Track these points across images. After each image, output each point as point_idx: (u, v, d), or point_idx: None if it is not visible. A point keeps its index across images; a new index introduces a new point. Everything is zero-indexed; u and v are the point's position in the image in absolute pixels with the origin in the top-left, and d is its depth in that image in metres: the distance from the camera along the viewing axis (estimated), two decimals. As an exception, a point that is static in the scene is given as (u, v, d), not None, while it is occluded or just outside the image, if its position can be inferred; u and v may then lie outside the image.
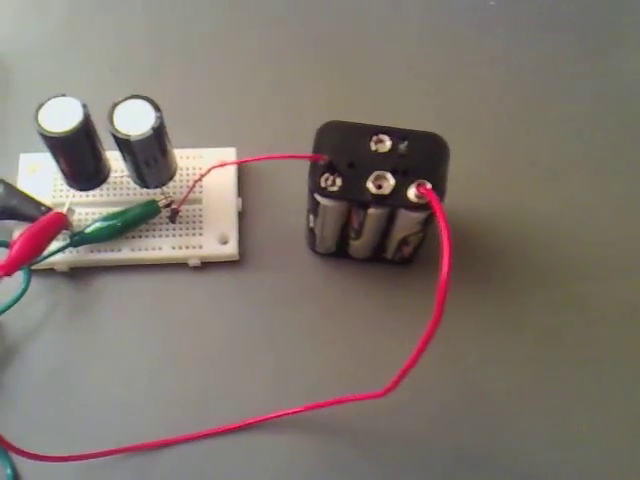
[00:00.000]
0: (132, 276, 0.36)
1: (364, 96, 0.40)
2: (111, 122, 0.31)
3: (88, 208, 0.36)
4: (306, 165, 0.30)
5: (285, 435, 0.33)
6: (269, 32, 0.42)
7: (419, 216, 0.30)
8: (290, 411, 0.32)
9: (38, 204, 0.36)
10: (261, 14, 0.43)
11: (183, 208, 0.36)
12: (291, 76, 0.41)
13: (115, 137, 0.31)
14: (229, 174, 0.37)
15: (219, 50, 0.42)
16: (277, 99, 0.40)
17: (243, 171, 0.37)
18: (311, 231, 0.34)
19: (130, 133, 0.31)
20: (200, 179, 0.34)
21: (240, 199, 0.37)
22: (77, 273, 0.36)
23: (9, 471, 0.32)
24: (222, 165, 0.34)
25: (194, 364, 0.35)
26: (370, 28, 0.42)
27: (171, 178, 0.35)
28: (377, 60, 0.42)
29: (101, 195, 0.36)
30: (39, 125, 0.31)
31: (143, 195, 0.36)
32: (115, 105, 0.31)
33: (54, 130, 0.31)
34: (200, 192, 0.36)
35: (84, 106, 0.31)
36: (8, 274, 0.32)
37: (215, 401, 0.34)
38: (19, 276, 0.34)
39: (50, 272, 0.35)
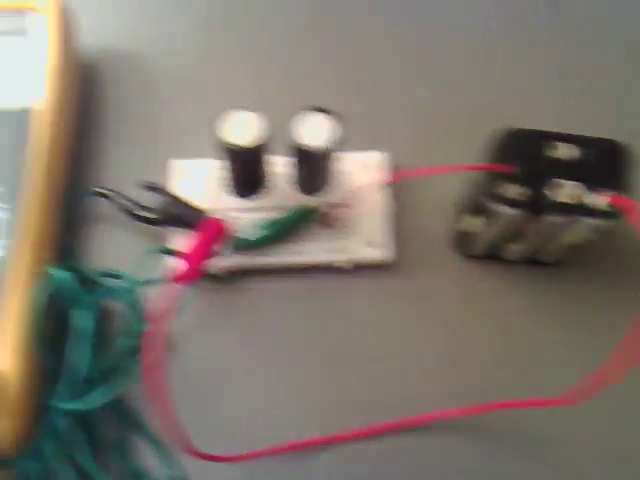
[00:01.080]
0: (286, 279, 0.38)
1: (533, 99, 0.41)
2: (293, 133, 0.32)
3: (246, 214, 0.38)
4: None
5: (449, 437, 0.35)
6: (426, 34, 0.43)
7: (604, 224, 0.30)
8: (457, 411, 0.33)
9: (198, 211, 0.37)
10: (427, 17, 0.44)
11: (336, 212, 0.37)
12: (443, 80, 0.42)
13: (294, 147, 0.32)
14: (376, 176, 0.38)
15: (369, 49, 0.43)
16: (431, 102, 0.42)
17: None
18: (464, 234, 0.35)
19: (312, 144, 0.32)
20: (366, 191, 0.36)
21: (391, 202, 0.37)
22: (231, 277, 0.37)
23: (175, 472, 0.33)
24: (397, 178, 0.36)
25: (348, 364, 0.37)
26: (539, 31, 0.43)
27: (329, 184, 0.36)
28: (538, 60, 0.43)
29: (259, 201, 0.37)
30: (222, 137, 0.32)
31: (300, 200, 0.37)
32: (297, 116, 0.32)
33: (236, 142, 0.32)
34: (351, 196, 0.37)
35: (262, 120, 0.32)
36: (189, 283, 0.33)
37: (371, 402, 0.36)
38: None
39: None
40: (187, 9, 0.44)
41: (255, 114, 0.33)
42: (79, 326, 0.34)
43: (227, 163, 0.34)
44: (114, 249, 0.39)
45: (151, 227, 0.37)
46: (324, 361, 0.36)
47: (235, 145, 0.32)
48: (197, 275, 0.34)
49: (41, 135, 0.36)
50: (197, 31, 0.44)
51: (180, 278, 0.33)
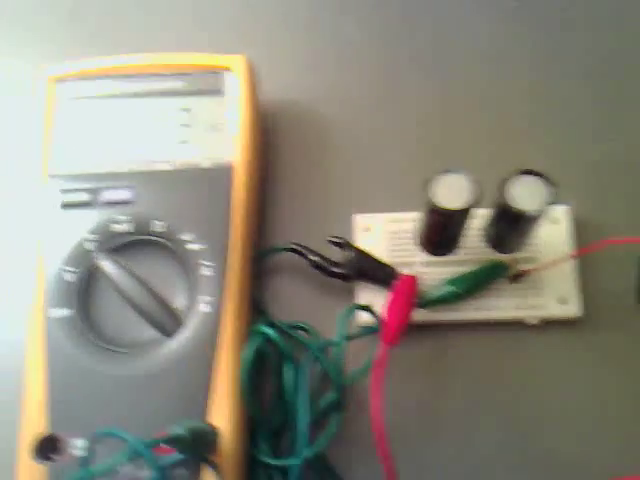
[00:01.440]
0: (475, 334, 0.38)
1: None
2: (506, 196, 0.33)
3: (434, 269, 0.38)
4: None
5: None
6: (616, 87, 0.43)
7: None
8: None
9: (386, 266, 0.38)
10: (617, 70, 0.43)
11: (525, 268, 0.37)
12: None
13: (505, 211, 0.33)
14: (565, 231, 0.39)
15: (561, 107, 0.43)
16: (616, 155, 0.42)
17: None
18: None
19: (525, 208, 0.33)
20: (574, 256, 0.36)
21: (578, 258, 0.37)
22: (418, 330, 0.38)
23: None
24: (600, 246, 0.36)
25: (539, 425, 0.37)
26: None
27: (521, 248, 0.37)
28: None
29: (447, 258, 0.38)
30: (431, 199, 0.33)
31: (490, 255, 0.37)
32: (508, 180, 0.33)
33: (445, 205, 0.32)
34: (536, 250, 0.38)
35: (473, 182, 0.32)
36: (394, 344, 0.34)
37: (563, 466, 0.36)
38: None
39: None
40: (364, 58, 0.45)
41: (466, 176, 0.33)
42: (292, 381, 0.35)
43: (426, 222, 0.35)
44: (301, 302, 0.40)
45: (339, 283, 0.38)
46: (513, 416, 0.37)
47: (444, 209, 0.32)
48: (399, 334, 0.35)
49: (239, 191, 0.37)
50: (372, 82, 0.45)
51: (385, 338, 0.35)
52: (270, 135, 0.42)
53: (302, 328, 0.38)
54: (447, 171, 0.33)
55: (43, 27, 0.46)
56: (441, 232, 0.36)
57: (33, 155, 0.37)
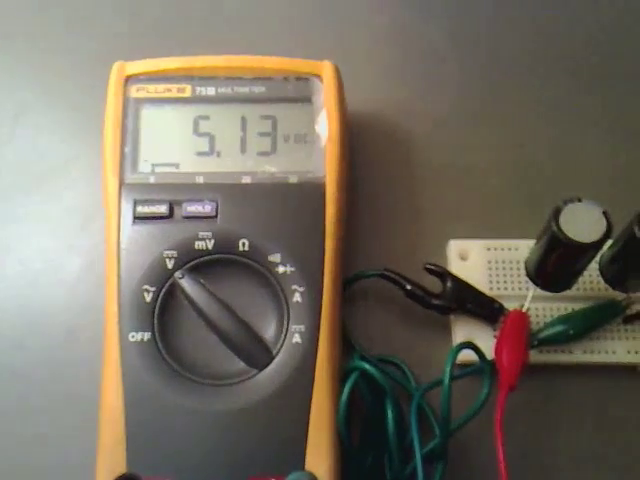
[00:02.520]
0: (580, 378, 0.36)
1: None
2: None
3: (544, 304, 0.35)
4: None
5: None
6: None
7: None
8: None
9: (489, 299, 0.35)
10: None
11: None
12: None
13: (637, 246, 0.30)
14: None
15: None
16: None
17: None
18: None
19: None
20: None
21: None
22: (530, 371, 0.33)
23: None
24: None
25: None
26: None
27: None
28: None
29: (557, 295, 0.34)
30: (561, 230, 0.30)
31: (604, 292, 0.34)
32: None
33: (576, 238, 0.30)
34: None
35: (606, 214, 0.30)
36: (512, 390, 0.31)
37: None
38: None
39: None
40: (456, 71, 0.43)
41: (598, 207, 0.30)
42: (394, 422, 0.32)
43: (547, 253, 0.32)
44: (389, 334, 0.37)
45: (432, 313, 0.35)
46: (624, 467, 0.35)
47: (575, 242, 0.30)
48: (518, 375, 0.32)
49: (331, 209, 0.34)
50: (466, 95, 0.42)
51: (503, 382, 0.32)
52: (355, 149, 0.39)
53: (392, 363, 0.35)
54: (576, 200, 0.30)
55: (110, 24, 0.44)
56: (563, 267, 0.32)
57: (104, 161, 0.34)
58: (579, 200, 0.30)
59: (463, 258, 0.36)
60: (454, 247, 0.36)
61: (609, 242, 0.30)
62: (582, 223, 0.30)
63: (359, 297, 0.36)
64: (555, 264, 0.32)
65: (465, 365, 0.33)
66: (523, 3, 0.43)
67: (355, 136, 0.39)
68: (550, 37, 0.42)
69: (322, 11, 0.43)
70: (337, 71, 0.36)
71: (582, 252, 0.30)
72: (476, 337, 0.34)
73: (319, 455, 0.30)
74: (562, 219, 0.30)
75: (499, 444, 0.30)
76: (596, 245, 0.29)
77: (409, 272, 0.35)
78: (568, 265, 0.32)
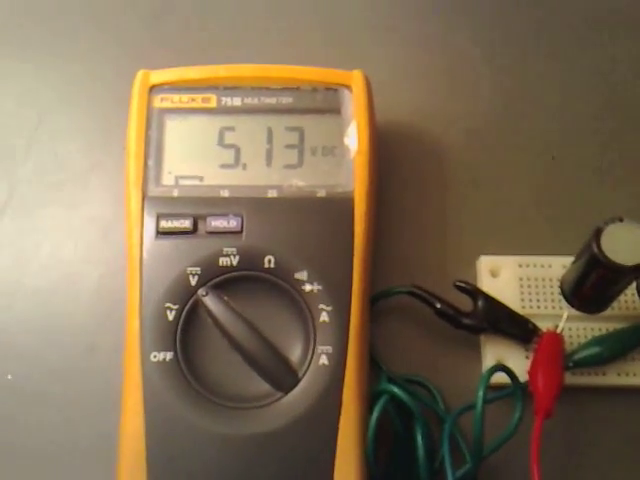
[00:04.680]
0: (615, 401, 0.34)
1: None
2: None
3: (579, 324, 0.34)
4: None
5: None
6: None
7: None
8: None
9: (523, 319, 0.34)
10: None
11: None
12: None
13: None
14: None
15: None
16: None
17: None
18: None
19: None
20: None
21: None
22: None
23: None
24: None
25: None
26: None
27: None
28: None
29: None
30: (602, 251, 0.29)
31: (637, 311, 0.33)
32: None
33: (617, 260, 0.29)
34: None
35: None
36: (550, 416, 0.30)
37: None
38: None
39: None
40: (487, 82, 0.42)
41: (634, 224, 0.29)
42: (424, 448, 0.31)
43: (585, 274, 0.31)
44: (417, 353, 0.36)
45: (462, 333, 0.34)
46: None
47: (617, 265, 0.29)
48: (554, 400, 0.31)
49: (360, 225, 0.33)
50: (496, 106, 0.41)
51: (539, 408, 0.31)
52: (384, 161, 0.37)
53: (420, 383, 0.34)
54: (618, 220, 0.29)
55: (135, 31, 0.43)
56: (600, 288, 0.31)
57: (127, 173, 0.33)
58: (621, 220, 0.29)
59: (494, 275, 0.35)
60: (485, 263, 0.35)
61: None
62: (624, 244, 0.29)
63: (386, 315, 0.35)
64: (593, 286, 0.31)
65: (497, 387, 0.32)
66: (555, 7, 0.41)
67: (384, 147, 0.38)
68: (584, 49, 0.42)
69: (351, 19, 0.42)
70: (367, 81, 0.35)
71: (623, 275, 0.29)
72: (508, 358, 0.34)
73: None
74: (603, 240, 0.29)
75: (535, 472, 0.29)
76: (637, 268, 0.28)
77: (438, 289, 0.34)
78: (607, 287, 0.31)
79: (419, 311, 0.35)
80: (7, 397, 0.34)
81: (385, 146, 0.38)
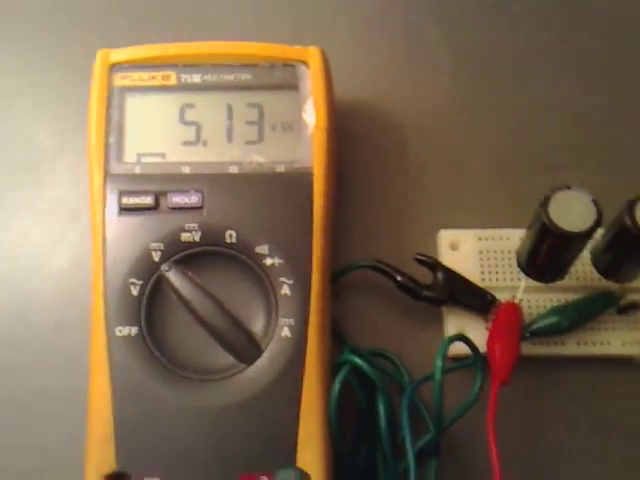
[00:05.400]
0: (574, 371, 0.35)
1: None
2: (634, 219, 0.29)
3: (535, 295, 0.35)
4: None
5: None
6: None
7: None
8: None
9: (481, 290, 0.34)
10: None
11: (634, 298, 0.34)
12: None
13: (629, 235, 0.30)
14: None
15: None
16: None
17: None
18: None
19: None
20: None
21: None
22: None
23: None
24: None
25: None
26: None
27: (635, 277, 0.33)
28: None
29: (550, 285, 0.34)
30: (550, 219, 0.29)
31: (597, 283, 0.34)
32: (637, 200, 0.29)
33: (565, 227, 0.29)
34: None
35: (595, 202, 0.29)
36: (506, 383, 0.31)
37: None
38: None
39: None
40: (446, 58, 0.42)
41: (587, 195, 0.30)
42: (386, 417, 0.32)
43: (537, 243, 0.31)
44: (380, 326, 0.36)
45: (423, 305, 0.35)
46: (621, 459, 0.34)
47: (564, 232, 0.29)
48: (511, 368, 0.32)
49: (320, 199, 0.33)
50: (457, 83, 0.41)
51: (496, 377, 0.32)
52: (344, 138, 0.38)
53: (384, 356, 0.34)
54: (565, 188, 0.30)
55: (96, 11, 0.43)
56: (553, 257, 0.32)
57: (89, 152, 0.33)
58: (568, 188, 0.29)
59: (454, 248, 0.36)
60: (445, 237, 0.36)
61: (600, 231, 0.30)
62: (572, 212, 0.29)
63: (349, 289, 0.36)
64: (546, 254, 0.31)
65: (458, 358, 0.33)
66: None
67: (344, 124, 0.38)
68: (545, 26, 0.42)
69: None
70: (324, 57, 0.35)
71: (572, 242, 0.30)
72: (468, 329, 0.34)
73: (310, 451, 0.30)
74: (551, 208, 0.29)
75: (491, 439, 0.30)
76: (586, 234, 0.29)
77: (399, 263, 0.35)
78: (559, 255, 0.32)
79: (382, 285, 0.35)
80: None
81: (346, 122, 0.38)
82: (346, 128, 0.38)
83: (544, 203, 0.29)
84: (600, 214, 0.29)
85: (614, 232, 0.31)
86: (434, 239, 0.36)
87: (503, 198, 0.36)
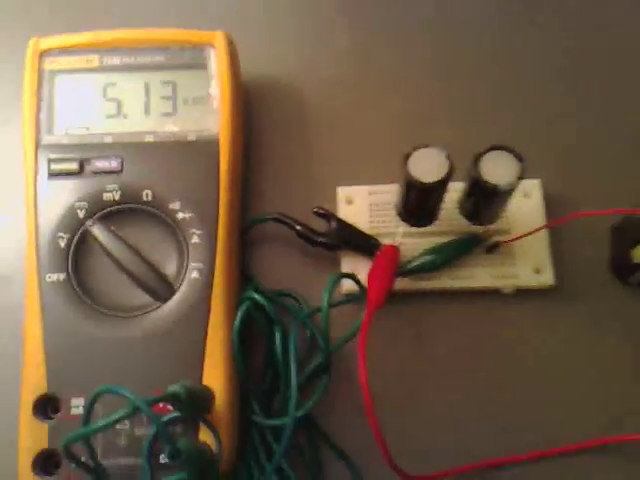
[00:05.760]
0: (452, 303, 0.40)
1: None
2: (479, 171, 0.34)
3: (414, 239, 0.40)
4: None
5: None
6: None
7: None
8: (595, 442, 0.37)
9: (368, 236, 0.40)
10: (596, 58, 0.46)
11: (501, 239, 0.39)
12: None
13: (478, 184, 0.34)
14: (536, 204, 0.41)
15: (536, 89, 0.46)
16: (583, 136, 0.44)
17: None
18: (630, 268, 0.39)
19: (498, 181, 0.34)
20: (546, 227, 0.39)
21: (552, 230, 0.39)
22: (399, 298, 0.39)
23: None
24: (568, 219, 0.39)
25: (509, 386, 0.39)
26: None
27: (495, 220, 0.38)
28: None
29: (426, 229, 0.39)
30: (409, 173, 0.34)
31: (467, 227, 0.39)
32: (481, 155, 0.34)
33: (422, 179, 0.34)
34: (510, 222, 0.40)
35: (448, 157, 0.34)
36: (378, 307, 0.36)
37: (538, 425, 0.38)
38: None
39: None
40: (342, 34, 0.47)
41: (441, 151, 0.34)
42: (281, 345, 0.37)
43: (405, 195, 0.36)
44: (287, 270, 0.41)
45: (323, 251, 0.40)
46: (488, 379, 0.39)
47: (421, 182, 0.34)
48: (382, 300, 0.37)
49: (225, 163, 0.38)
50: (350, 58, 0.46)
51: (370, 303, 0.36)
52: (252, 109, 0.44)
53: (289, 295, 0.40)
54: (423, 146, 0.34)
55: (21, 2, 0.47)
56: (419, 204, 0.37)
57: (23, 126, 0.39)
58: (426, 146, 0.34)
59: (349, 202, 0.41)
60: (341, 193, 0.41)
61: (461, 183, 0.36)
62: (429, 165, 0.34)
63: (259, 239, 0.41)
64: (414, 202, 0.36)
65: (350, 294, 0.39)
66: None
67: (251, 98, 0.44)
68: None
69: None
70: (229, 40, 0.40)
71: (432, 190, 0.35)
72: (360, 270, 0.39)
73: (215, 373, 0.35)
74: (411, 163, 0.34)
75: (361, 357, 0.34)
76: (441, 183, 0.34)
77: (303, 217, 0.40)
78: (424, 202, 0.36)
79: (287, 234, 0.41)
80: None
81: (252, 96, 0.44)
82: (252, 101, 0.44)
83: (405, 159, 0.34)
84: (451, 167, 0.34)
85: (469, 183, 0.36)
86: (334, 195, 0.42)
87: (390, 158, 0.39)
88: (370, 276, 0.37)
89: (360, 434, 0.35)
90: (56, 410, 0.34)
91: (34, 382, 0.34)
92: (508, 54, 0.46)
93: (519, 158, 0.34)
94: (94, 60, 0.40)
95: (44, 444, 0.33)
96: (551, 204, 0.41)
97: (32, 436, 0.33)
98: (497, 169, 0.34)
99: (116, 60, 0.40)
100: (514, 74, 0.45)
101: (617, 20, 0.46)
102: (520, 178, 0.34)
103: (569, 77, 0.45)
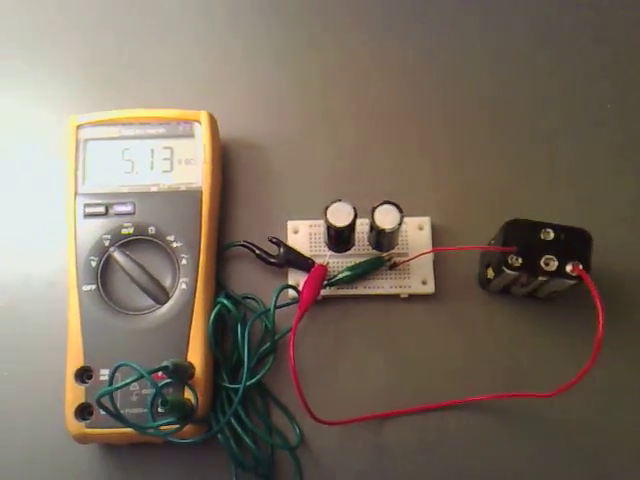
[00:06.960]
0: (364, 304, 0.50)
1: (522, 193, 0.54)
2: (374, 219, 0.48)
3: (338, 260, 0.53)
4: (483, 229, 0.50)
5: (473, 415, 0.49)
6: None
7: (572, 283, 0.46)
8: (477, 398, 0.48)
9: (306, 258, 0.54)
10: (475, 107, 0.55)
11: (398, 260, 0.53)
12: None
13: (374, 227, 0.48)
14: (426, 234, 0.54)
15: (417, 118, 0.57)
16: (465, 183, 0.54)
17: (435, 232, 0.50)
18: (487, 281, 0.52)
19: (385, 226, 0.48)
20: (421, 255, 0.52)
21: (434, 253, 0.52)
22: (328, 301, 0.51)
23: (297, 431, 0.49)
24: (435, 250, 0.53)
25: (403, 361, 0.52)
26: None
27: (394, 247, 0.52)
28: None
29: (346, 253, 0.53)
30: (327, 219, 0.48)
31: (374, 253, 0.53)
32: (375, 208, 0.48)
33: (336, 224, 0.48)
34: (407, 248, 0.53)
35: (354, 208, 0.48)
36: (306, 309, 0.50)
37: (419, 387, 0.50)
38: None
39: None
40: (296, 109, 0.56)
41: (348, 204, 0.48)
42: (241, 335, 0.50)
43: (327, 232, 0.50)
44: (250, 282, 0.54)
45: (275, 268, 0.54)
46: (387, 357, 0.50)
47: (335, 226, 0.48)
48: (311, 303, 0.51)
49: (206, 207, 0.52)
50: (297, 126, 0.55)
51: (301, 306, 0.50)
52: (228, 164, 0.53)
53: (251, 298, 0.53)
54: (337, 200, 0.48)
55: (60, 83, 0.58)
56: (336, 239, 0.47)
57: (64, 180, 0.48)
58: (339, 200, 0.48)
59: (296, 232, 0.53)
60: (290, 225, 0.51)
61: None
62: (340, 213, 0.48)
63: (230, 258, 0.51)
64: (332, 238, 0.50)
65: (294, 299, 0.52)
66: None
67: (231, 154, 0.54)
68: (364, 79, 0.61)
69: (206, 69, 0.59)
70: (211, 117, 0.53)
71: (342, 231, 0.49)
72: (301, 282, 0.53)
73: (195, 354, 0.47)
74: (329, 213, 0.48)
75: (290, 348, 0.48)
76: (348, 227, 0.48)
77: (261, 242, 0.51)
78: (340, 237, 0.50)
79: (250, 256, 0.50)
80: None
81: (232, 152, 0.56)
82: (228, 155, 0.54)
83: (325, 210, 0.48)
84: (355, 214, 0.48)
85: (370, 225, 0.49)
86: (285, 227, 0.50)
87: (327, 201, 0.45)
88: (304, 287, 0.51)
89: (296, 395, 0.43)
90: (90, 377, 0.45)
91: (75, 358, 0.44)
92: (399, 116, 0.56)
93: (400, 210, 0.48)
94: (115, 132, 0.50)
95: (82, 400, 0.44)
96: (437, 235, 0.51)
97: (74, 395, 0.44)
98: (385, 217, 0.48)
99: (131, 132, 0.50)
100: (406, 138, 0.56)
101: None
102: (400, 224, 0.48)
103: (451, 141, 0.55)
